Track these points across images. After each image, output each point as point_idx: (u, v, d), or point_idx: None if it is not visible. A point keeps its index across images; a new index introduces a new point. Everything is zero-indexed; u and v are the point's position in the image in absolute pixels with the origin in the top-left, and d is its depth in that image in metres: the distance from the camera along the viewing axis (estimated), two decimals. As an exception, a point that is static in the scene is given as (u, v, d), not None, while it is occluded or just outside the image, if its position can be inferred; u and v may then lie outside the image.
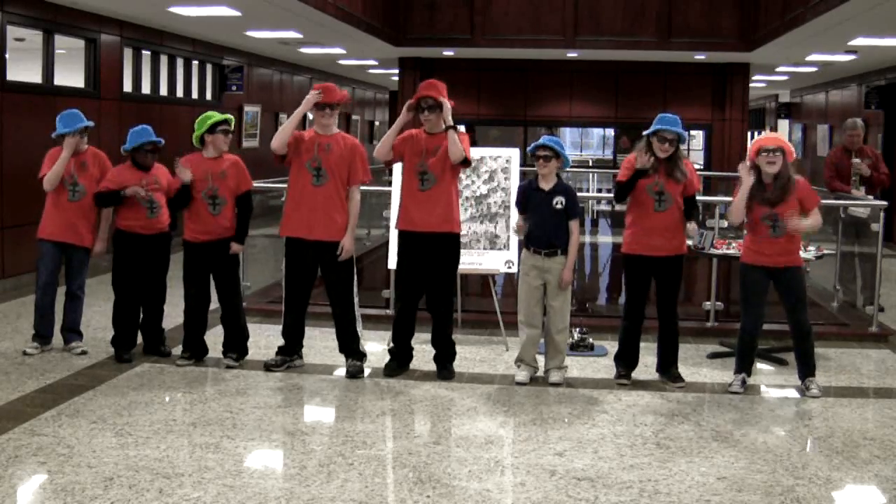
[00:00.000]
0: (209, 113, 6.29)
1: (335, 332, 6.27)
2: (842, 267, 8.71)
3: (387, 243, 7.67)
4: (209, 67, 13.64)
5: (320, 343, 6.92)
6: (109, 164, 6.61)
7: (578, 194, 6.43)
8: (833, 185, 8.70)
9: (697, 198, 6.15)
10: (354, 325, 6.19)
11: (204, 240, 6.25)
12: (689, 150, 13.86)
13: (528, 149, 6.15)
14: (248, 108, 14.67)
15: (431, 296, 6.20)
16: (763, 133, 6.16)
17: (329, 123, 6.11)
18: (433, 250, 6.11)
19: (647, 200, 5.94)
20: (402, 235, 6.22)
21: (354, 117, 20.73)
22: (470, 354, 6.78)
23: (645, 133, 6.01)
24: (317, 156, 6.03)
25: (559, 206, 6.01)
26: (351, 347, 6.21)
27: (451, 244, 6.14)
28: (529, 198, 6.08)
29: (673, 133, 5.91)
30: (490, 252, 7.37)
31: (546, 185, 6.04)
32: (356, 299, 6.22)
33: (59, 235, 6.47)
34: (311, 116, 6.33)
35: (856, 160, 8.55)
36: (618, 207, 16.54)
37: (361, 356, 6.23)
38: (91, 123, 6.56)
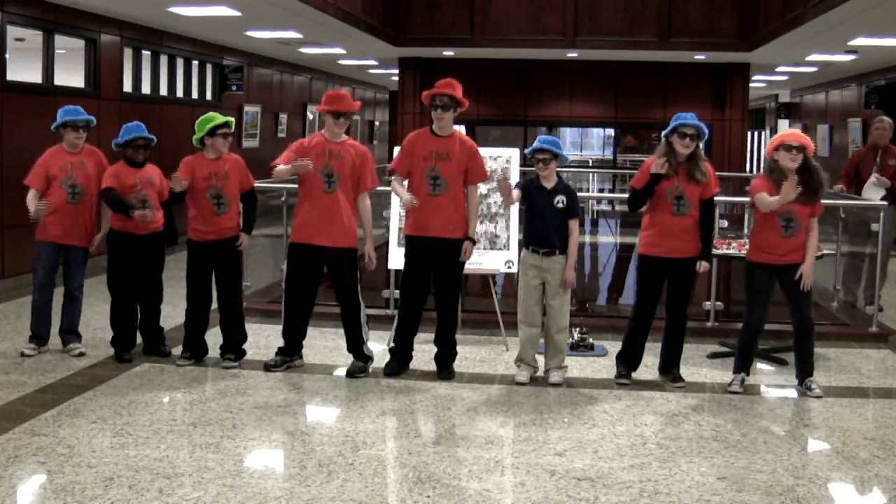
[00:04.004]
0: (210, 115, 6.26)
1: (344, 331, 6.28)
2: (846, 265, 8.67)
3: (387, 243, 7.66)
4: (209, 67, 13.64)
5: (320, 343, 6.92)
6: (106, 161, 6.59)
7: (579, 194, 6.42)
8: (840, 181, 8.66)
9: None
10: (360, 327, 6.20)
11: (208, 239, 6.25)
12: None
13: (527, 151, 6.13)
14: (248, 108, 14.66)
15: (439, 296, 6.21)
16: (785, 129, 6.08)
17: (341, 131, 6.15)
18: (443, 254, 6.11)
19: (666, 204, 5.90)
20: (412, 240, 6.19)
21: (355, 117, 20.72)
22: (470, 354, 6.78)
23: (663, 133, 5.99)
24: (329, 162, 6.04)
25: (560, 206, 6.02)
26: (357, 347, 6.23)
27: (460, 248, 6.15)
28: (532, 193, 6.08)
29: (693, 127, 5.86)
30: (490, 252, 7.37)
31: (548, 184, 6.05)
32: (363, 302, 6.24)
33: (59, 238, 6.43)
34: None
35: (876, 176, 8.31)
36: (618, 207, 16.75)
37: (366, 358, 6.24)
38: (92, 118, 6.55)
